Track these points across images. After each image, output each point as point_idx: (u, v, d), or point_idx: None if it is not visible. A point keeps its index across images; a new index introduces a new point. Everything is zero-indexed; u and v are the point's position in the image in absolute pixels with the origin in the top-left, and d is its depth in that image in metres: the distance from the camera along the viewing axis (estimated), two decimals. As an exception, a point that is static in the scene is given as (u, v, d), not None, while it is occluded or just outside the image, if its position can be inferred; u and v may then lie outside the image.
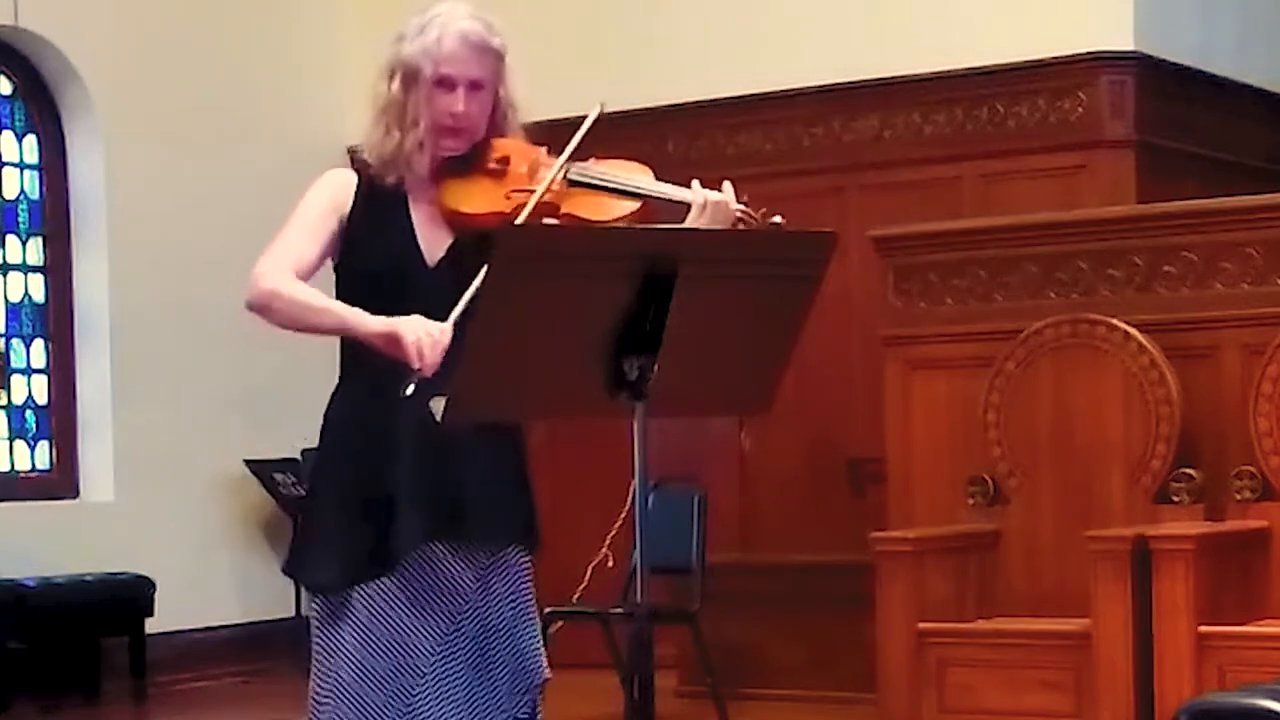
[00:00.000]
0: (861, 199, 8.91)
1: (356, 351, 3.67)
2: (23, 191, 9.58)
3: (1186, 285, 6.64)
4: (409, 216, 3.70)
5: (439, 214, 3.69)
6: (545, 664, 3.77)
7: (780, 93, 9.16)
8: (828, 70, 9.05)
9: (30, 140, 9.62)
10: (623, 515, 8.40)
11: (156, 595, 9.11)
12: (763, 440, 9.01)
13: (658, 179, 3.72)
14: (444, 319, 3.49)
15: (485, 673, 3.68)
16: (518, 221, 3.56)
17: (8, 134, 9.54)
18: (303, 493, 8.31)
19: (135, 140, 9.57)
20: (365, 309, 3.59)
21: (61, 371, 9.62)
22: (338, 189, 3.72)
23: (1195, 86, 8.99)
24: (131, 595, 9.08)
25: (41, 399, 9.60)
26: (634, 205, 3.65)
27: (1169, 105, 8.78)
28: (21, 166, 9.59)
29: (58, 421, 9.61)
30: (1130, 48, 8.59)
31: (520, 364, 3.14)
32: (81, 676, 8.94)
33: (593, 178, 3.68)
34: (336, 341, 3.75)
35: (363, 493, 3.63)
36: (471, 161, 3.70)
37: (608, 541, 8.62)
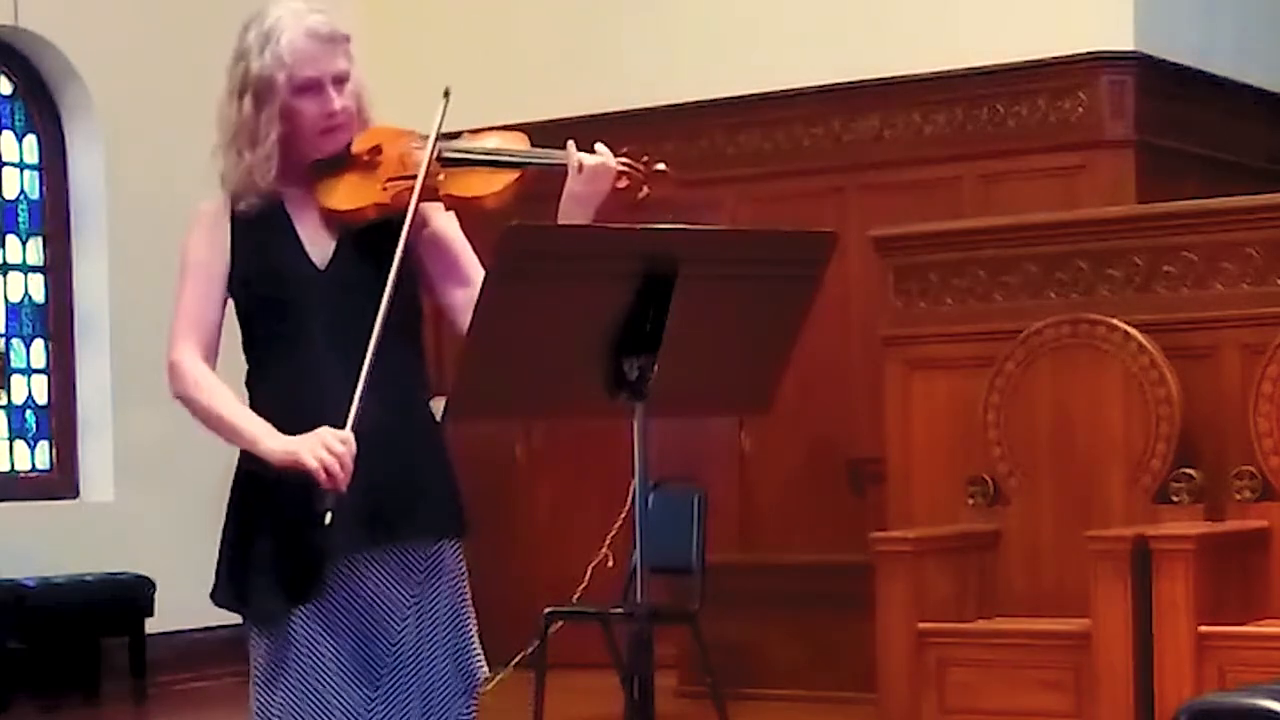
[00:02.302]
0: (861, 199, 8.91)
1: (258, 363, 3.61)
2: (23, 191, 9.59)
3: (1186, 285, 6.64)
4: (292, 227, 3.54)
5: (320, 217, 3.55)
6: (484, 663, 3.60)
7: (780, 93, 9.16)
8: (828, 70, 9.04)
9: (30, 140, 9.62)
10: (623, 515, 8.39)
11: (156, 595, 9.11)
12: (763, 440, 9.01)
13: (533, 145, 3.58)
14: (346, 322, 3.40)
15: (430, 671, 3.53)
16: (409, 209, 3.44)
17: (8, 134, 9.54)
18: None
19: (135, 140, 9.56)
20: (269, 328, 3.51)
21: (61, 371, 9.62)
22: (212, 226, 3.54)
23: (1195, 86, 8.98)
24: (131, 595, 9.08)
25: (41, 399, 9.60)
26: (513, 175, 3.52)
27: (1169, 105, 8.78)
28: (21, 166, 9.59)
29: (58, 421, 9.60)
30: (1130, 48, 8.59)
31: (520, 364, 3.13)
32: (81, 676, 8.94)
33: (466, 154, 3.55)
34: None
35: (288, 510, 3.48)
36: (342, 157, 3.57)
37: (608, 541, 8.61)
